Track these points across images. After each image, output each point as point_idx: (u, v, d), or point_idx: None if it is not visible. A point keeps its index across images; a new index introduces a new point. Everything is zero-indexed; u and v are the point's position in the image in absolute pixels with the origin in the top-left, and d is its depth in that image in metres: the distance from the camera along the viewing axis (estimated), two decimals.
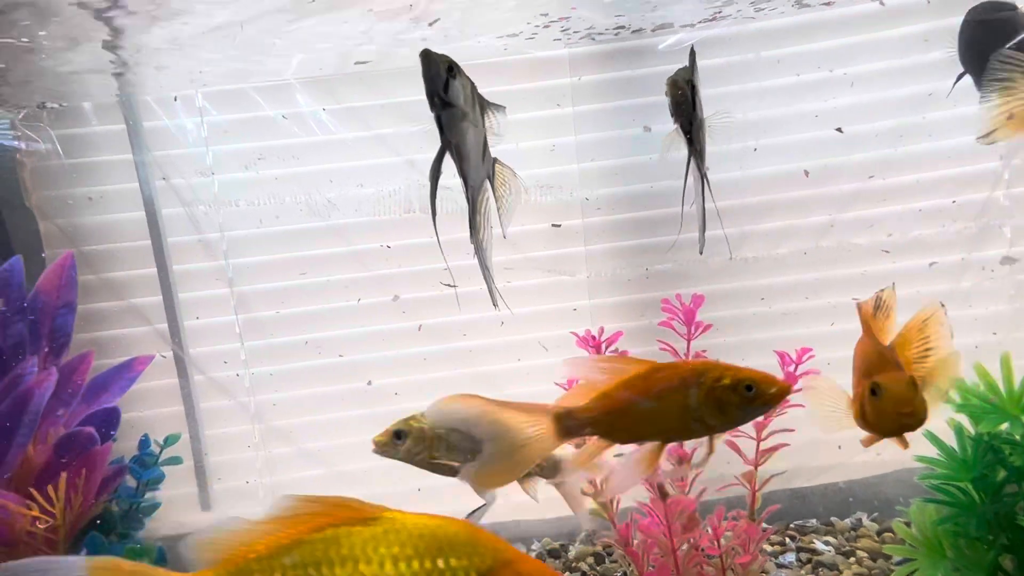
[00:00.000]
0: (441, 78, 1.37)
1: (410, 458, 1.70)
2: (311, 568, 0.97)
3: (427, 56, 1.37)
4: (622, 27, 2.20)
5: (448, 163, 1.49)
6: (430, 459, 1.70)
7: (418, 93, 2.38)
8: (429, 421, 1.67)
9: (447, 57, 1.40)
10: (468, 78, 1.46)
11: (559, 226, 2.40)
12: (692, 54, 1.73)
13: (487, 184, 1.58)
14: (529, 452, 1.25)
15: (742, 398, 1.22)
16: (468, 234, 1.55)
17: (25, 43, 1.84)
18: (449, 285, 2.27)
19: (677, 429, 1.26)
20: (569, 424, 1.26)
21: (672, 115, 1.67)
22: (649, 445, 1.27)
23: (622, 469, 1.32)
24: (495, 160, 1.60)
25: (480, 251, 1.55)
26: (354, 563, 0.96)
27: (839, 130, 2.34)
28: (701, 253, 1.91)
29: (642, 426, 1.25)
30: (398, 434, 1.68)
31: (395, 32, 2.02)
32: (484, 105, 1.54)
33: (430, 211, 1.51)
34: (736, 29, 2.29)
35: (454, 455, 1.67)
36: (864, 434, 1.43)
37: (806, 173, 2.36)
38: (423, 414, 1.68)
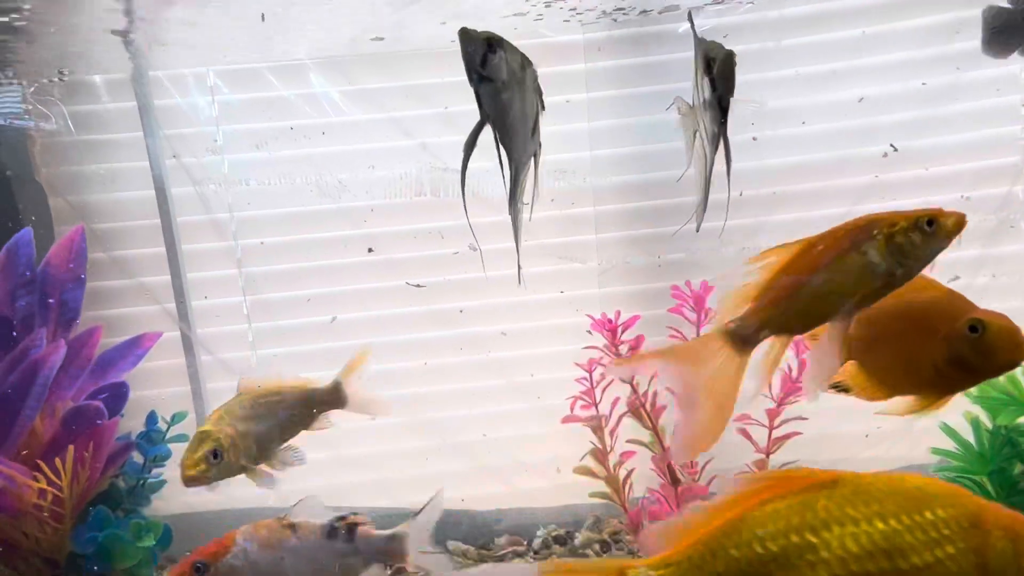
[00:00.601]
0: (478, 53, 1.38)
1: (229, 472, 1.57)
2: (792, 535, 0.93)
3: (464, 34, 1.38)
4: (621, 8, 2.16)
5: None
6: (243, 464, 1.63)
7: (432, 76, 2.41)
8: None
9: (490, 33, 1.41)
10: (521, 55, 1.46)
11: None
12: (690, 18, 1.70)
13: (531, 163, 1.57)
14: (723, 384, 1.14)
15: (925, 235, 1.15)
16: (503, 209, 1.54)
17: (37, 17, 1.82)
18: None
19: (859, 291, 1.15)
20: (744, 333, 1.15)
21: (708, 90, 1.60)
22: (834, 322, 1.16)
23: (816, 355, 1.20)
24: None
25: (517, 226, 1.56)
26: (839, 525, 0.93)
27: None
28: (698, 231, 1.85)
29: (822, 303, 1.15)
30: (215, 453, 1.53)
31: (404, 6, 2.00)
32: (540, 89, 1.54)
33: (460, 187, 1.49)
34: (756, 16, 2.26)
35: (263, 450, 1.60)
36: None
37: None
38: (224, 410, 1.56)
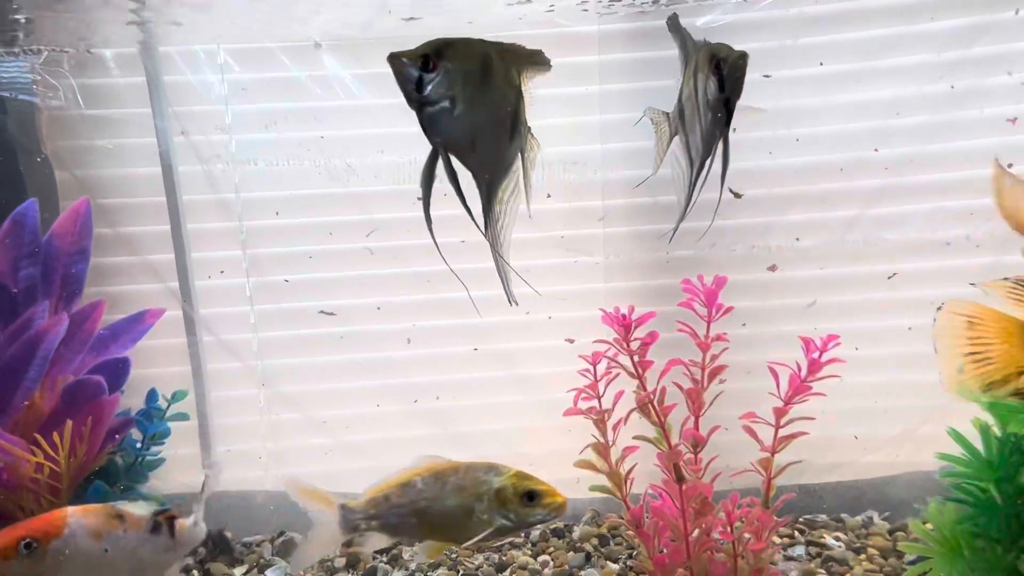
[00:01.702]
0: (411, 78, 1.27)
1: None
2: None
3: (393, 59, 1.28)
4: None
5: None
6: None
7: None
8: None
9: (429, 45, 1.28)
10: (483, 52, 1.31)
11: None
12: (674, 20, 1.65)
13: (514, 170, 1.46)
14: None
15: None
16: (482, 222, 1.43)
17: None
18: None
19: None
20: None
21: (715, 89, 1.53)
22: None
23: None
24: (529, 128, 1.46)
25: (496, 245, 1.45)
26: None
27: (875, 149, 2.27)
28: (671, 240, 1.80)
29: None
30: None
31: None
32: (517, 82, 1.38)
33: (425, 220, 1.39)
34: (775, 13, 2.24)
35: None
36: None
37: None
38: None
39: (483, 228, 1.41)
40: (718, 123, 1.58)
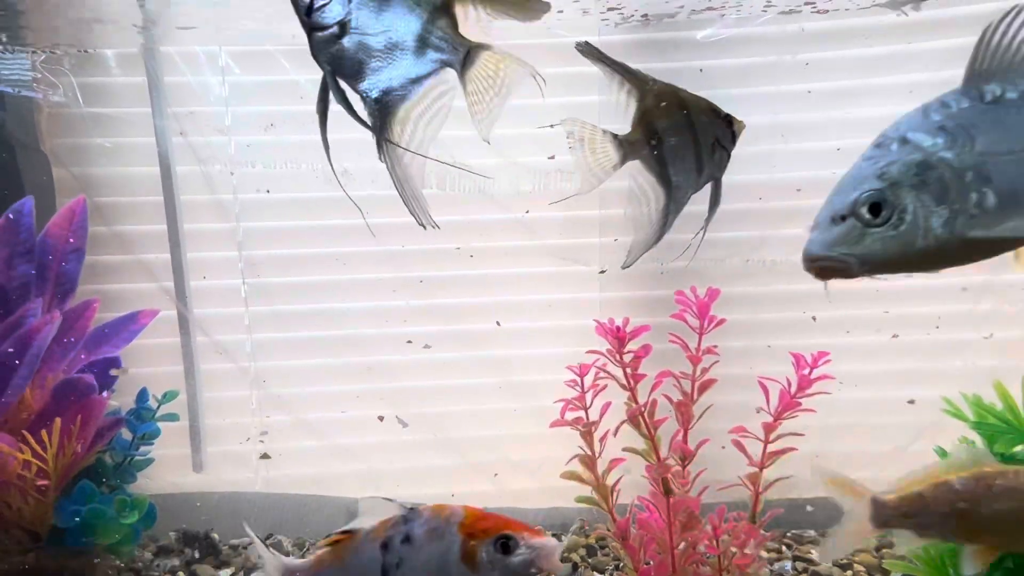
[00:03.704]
0: (302, 3, 1.23)
1: None
2: None
3: None
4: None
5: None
6: None
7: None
8: None
9: None
10: None
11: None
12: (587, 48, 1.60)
13: (444, 91, 1.38)
14: None
15: None
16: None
17: None
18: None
19: None
20: None
21: (728, 141, 1.58)
22: None
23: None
24: (479, 47, 1.36)
25: (396, 166, 1.38)
26: None
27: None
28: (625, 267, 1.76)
29: None
30: None
31: None
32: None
33: (323, 146, 1.35)
34: (775, 29, 2.25)
35: None
36: None
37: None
38: None
39: (379, 148, 1.38)
40: (717, 168, 1.62)
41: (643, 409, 1.75)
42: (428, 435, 2.52)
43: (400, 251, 2.44)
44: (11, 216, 2.00)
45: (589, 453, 1.81)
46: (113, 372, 2.02)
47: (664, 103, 1.58)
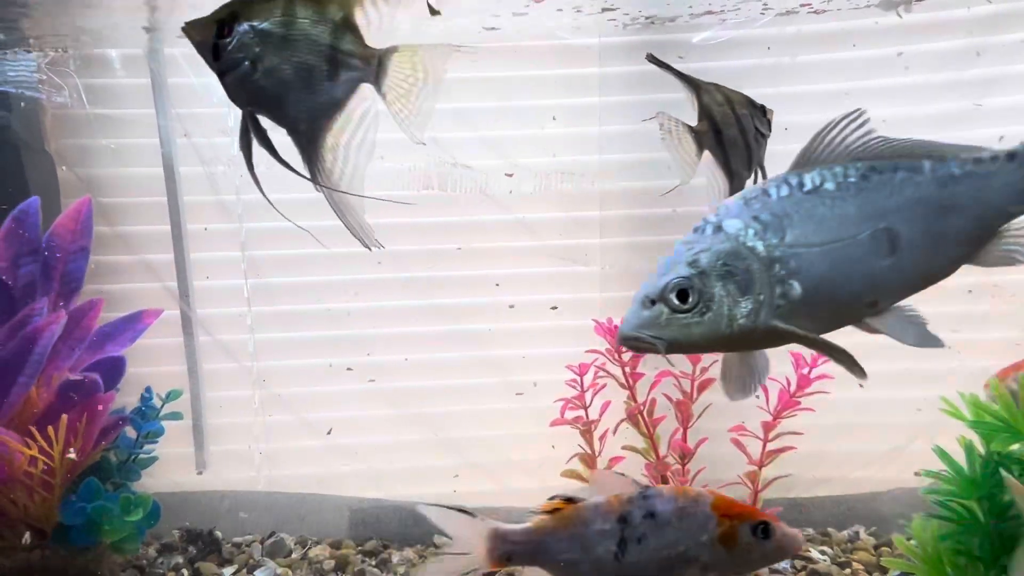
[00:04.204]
0: (207, 47, 1.24)
1: None
2: None
3: (187, 29, 1.25)
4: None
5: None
6: None
7: (447, 71, 2.41)
8: None
9: (222, 10, 1.24)
10: (279, 4, 1.24)
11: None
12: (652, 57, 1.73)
13: (365, 110, 1.34)
14: None
15: None
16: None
17: None
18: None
19: None
20: None
21: (765, 128, 1.70)
22: None
23: None
24: (387, 52, 1.32)
25: (332, 196, 1.37)
26: None
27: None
28: None
29: None
30: None
31: None
32: (330, 16, 1.28)
33: (254, 183, 1.36)
34: (773, 31, 2.27)
35: None
36: None
37: None
38: None
39: (314, 182, 1.37)
40: (759, 151, 1.73)
41: (642, 408, 1.77)
42: (428, 435, 2.54)
43: (402, 251, 2.45)
44: (17, 217, 2.02)
45: (589, 452, 1.83)
46: None
47: (715, 99, 1.68)
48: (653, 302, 1.10)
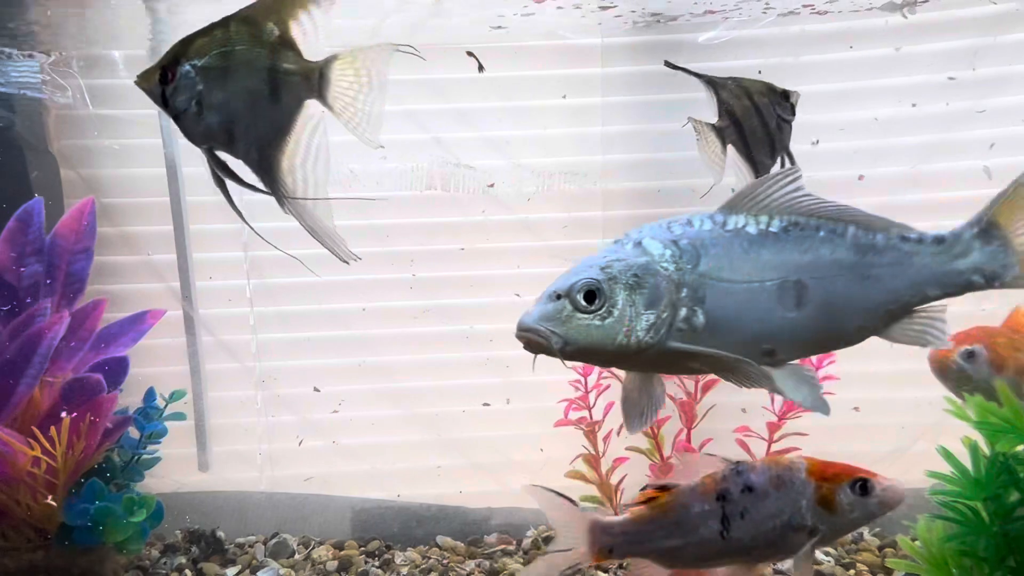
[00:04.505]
0: (156, 93, 1.26)
1: None
2: None
3: (137, 83, 1.28)
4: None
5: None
6: None
7: (448, 71, 2.42)
8: None
9: (165, 56, 1.26)
10: (213, 39, 1.25)
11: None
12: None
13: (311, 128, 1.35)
14: None
15: None
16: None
17: None
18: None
19: None
20: None
21: (789, 114, 1.73)
22: None
23: None
24: (327, 63, 1.31)
25: (303, 216, 1.39)
26: None
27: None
28: None
29: None
30: None
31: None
32: (265, 39, 1.27)
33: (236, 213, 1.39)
34: (777, 30, 2.26)
35: None
36: None
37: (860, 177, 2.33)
38: None
39: (281, 206, 1.39)
40: (784, 140, 1.74)
41: None
42: (432, 435, 2.54)
43: (405, 252, 2.46)
44: (21, 217, 2.02)
45: (593, 452, 1.82)
46: None
47: (733, 93, 1.71)
48: (559, 297, 1.12)
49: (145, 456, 2.16)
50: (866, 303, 1.19)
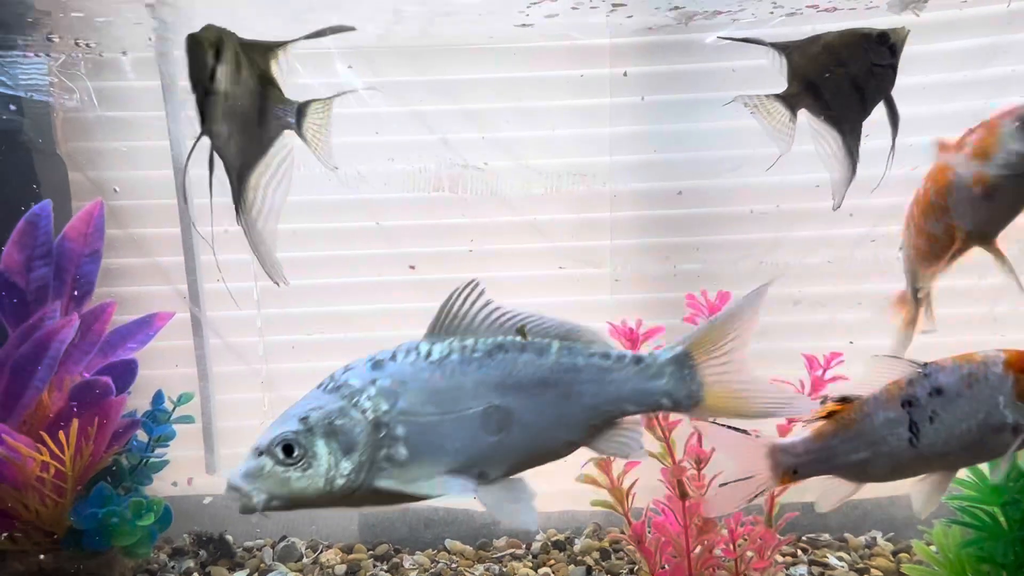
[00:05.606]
0: (208, 64, 1.28)
1: None
2: None
3: (194, 42, 1.29)
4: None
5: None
6: None
7: (456, 72, 2.40)
8: None
9: (214, 34, 1.30)
10: (233, 42, 1.34)
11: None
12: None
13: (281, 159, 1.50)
14: None
15: None
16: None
17: None
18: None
19: None
20: None
21: (887, 59, 1.61)
22: None
23: None
24: (306, 104, 1.53)
25: (251, 231, 1.47)
26: None
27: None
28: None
29: None
30: None
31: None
32: (259, 69, 1.42)
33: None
34: (789, 30, 2.24)
35: None
36: None
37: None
38: None
39: (237, 215, 1.47)
40: (881, 87, 1.65)
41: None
42: None
43: (412, 253, 2.44)
44: (30, 220, 2.02)
45: (604, 456, 1.81)
46: None
47: (809, 52, 1.66)
48: (261, 454, 1.13)
49: (153, 459, 2.15)
50: (570, 419, 1.22)
